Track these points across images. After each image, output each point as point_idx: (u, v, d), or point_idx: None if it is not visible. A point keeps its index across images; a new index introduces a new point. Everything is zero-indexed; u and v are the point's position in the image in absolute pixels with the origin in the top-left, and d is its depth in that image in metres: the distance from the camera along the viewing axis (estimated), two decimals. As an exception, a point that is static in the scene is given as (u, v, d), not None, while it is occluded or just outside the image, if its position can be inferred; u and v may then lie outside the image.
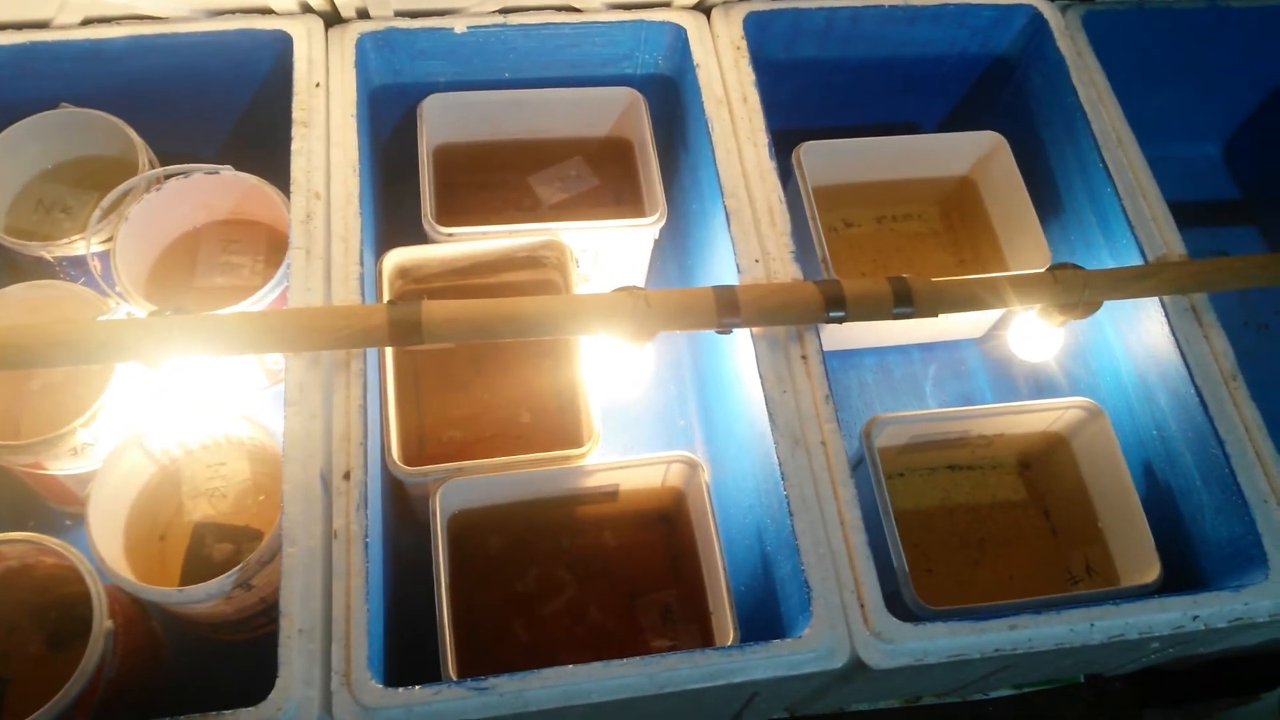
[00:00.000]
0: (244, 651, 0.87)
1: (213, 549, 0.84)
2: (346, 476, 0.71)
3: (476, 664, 0.80)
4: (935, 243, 1.08)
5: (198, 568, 0.84)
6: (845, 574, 0.71)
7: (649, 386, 1.02)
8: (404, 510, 0.88)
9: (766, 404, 0.76)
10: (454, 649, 0.73)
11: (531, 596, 0.84)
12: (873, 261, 1.06)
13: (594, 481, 0.84)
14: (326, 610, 0.68)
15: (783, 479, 0.74)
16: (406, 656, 0.77)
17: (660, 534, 0.88)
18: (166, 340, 0.71)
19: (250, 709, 0.64)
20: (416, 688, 0.65)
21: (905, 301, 0.79)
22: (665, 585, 0.85)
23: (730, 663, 0.68)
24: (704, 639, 0.82)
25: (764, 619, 0.80)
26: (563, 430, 0.90)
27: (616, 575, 0.86)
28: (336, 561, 0.69)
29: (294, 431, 0.72)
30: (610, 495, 0.86)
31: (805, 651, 0.68)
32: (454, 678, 0.71)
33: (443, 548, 0.77)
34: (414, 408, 0.90)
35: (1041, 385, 1.04)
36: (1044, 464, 0.95)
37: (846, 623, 0.70)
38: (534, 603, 0.83)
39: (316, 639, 0.67)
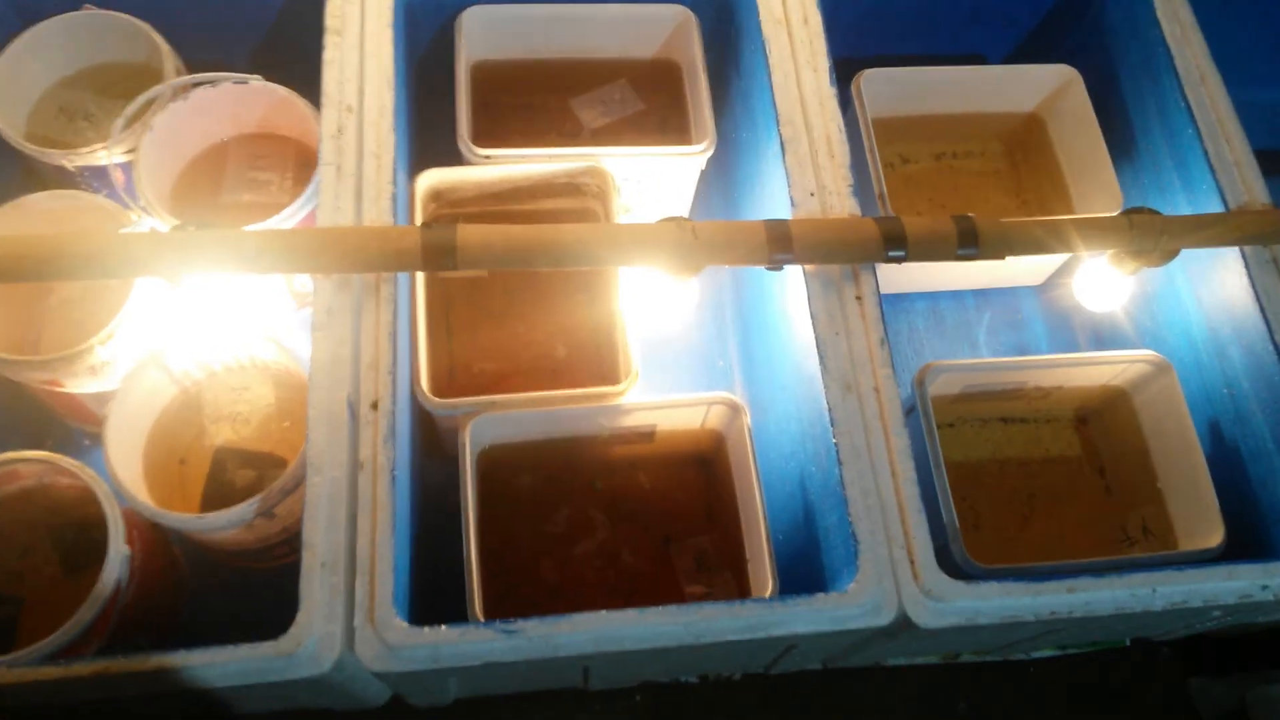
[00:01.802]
0: (265, 581, 0.85)
1: (234, 475, 0.81)
2: (374, 406, 0.68)
3: (503, 605, 0.77)
4: (996, 183, 1.02)
5: (218, 493, 0.81)
6: (895, 527, 0.67)
7: (688, 323, 0.98)
8: (432, 443, 0.85)
9: (818, 346, 0.72)
10: (480, 588, 0.70)
11: (562, 537, 0.81)
12: (929, 200, 1.00)
13: (630, 421, 0.80)
14: (351, 544, 0.65)
15: (832, 425, 0.70)
16: (431, 595, 0.74)
17: (697, 477, 0.85)
18: (189, 256, 0.67)
19: (269, 643, 0.62)
20: (443, 627, 0.63)
21: (970, 242, 0.74)
22: (701, 530, 0.82)
23: (771, 615, 0.64)
24: (739, 587, 0.79)
25: (804, 570, 0.76)
26: (599, 366, 0.87)
27: (650, 518, 0.82)
28: (362, 494, 0.66)
29: (321, 357, 0.69)
30: (646, 436, 0.83)
31: (850, 606, 0.65)
32: (480, 618, 0.68)
33: (471, 484, 0.74)
34: (445, 337, 0.87)
35: (1102, 337, 0.99)
36: (1102, 419, 0.90)
37: (895, 578, 0.66)
38: (564, 544, 0.80)
39: (340, 573, 0.64)
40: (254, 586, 0.86)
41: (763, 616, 0.64)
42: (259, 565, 0.84)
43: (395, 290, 0.72)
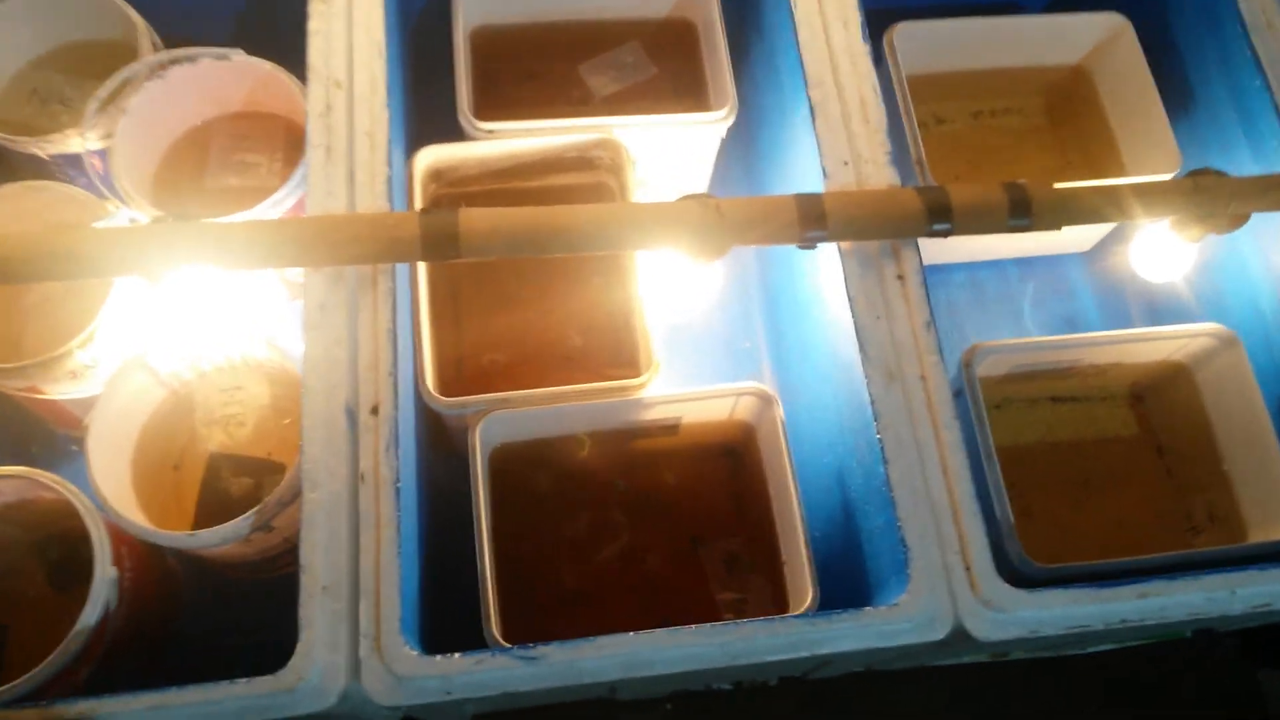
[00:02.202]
0: (268, 590, 0.80)
1: (230, 483, 0.76)
2: (375, 411, 0.62)
3: (520, 616, 0.72)
4: (1038, 143, 0.95)
5: (214, 503, 0.76)
6: (948, 530, 0.61)
7: (711, 303, 0.92)
8: (441, 441, 0.79)
9: (856, 331, 0.66)
10: (497, 601, 0.65)
11: (582, 541, 0.75)
12: (968, 163, 0.93)
13: (653, 414, 0.74)
14: (353, 564, 0.59)
15: (875, 419, 0.63)
16: (445, 611, 0.69)
17: (725, 471, 0.79)
18: (167, 252, 0.62)
19: (268, 677, 0.56)
20: (456, 656, 0.57)
21: (1023, 211, 0.67)
22: (731, 531, 0.76)
23: (814, 633, 0.59)
24: (774, 592, 0.73)
25: (843, 573, 0.70)
26: (617, 354, 0.81)
27: (677, 519, 0.77)
28: (364, 509, 0.60)
29: (315, 359, 0.63)
30: (670, 429, 0.77)
31: (901, 621, 0.59)
32: (496, 634, 0.63)
33: (484, 487, 0.68)
34: (451, 326, 0.81)
35: (1156, 308, 0.92)
36: (1160, 396, 0.84)
37: (949, 587, 0.60)
38: (585, 548, 0.75)
39: (343, 597, 0.58)
40: (256, 595, 0.81)
41: (805, 634, 0.59)
42: (262, 576, 0.79)
43: (394, 282, 0.65)
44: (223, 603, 0.81)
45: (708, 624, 0.58)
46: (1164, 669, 0.85)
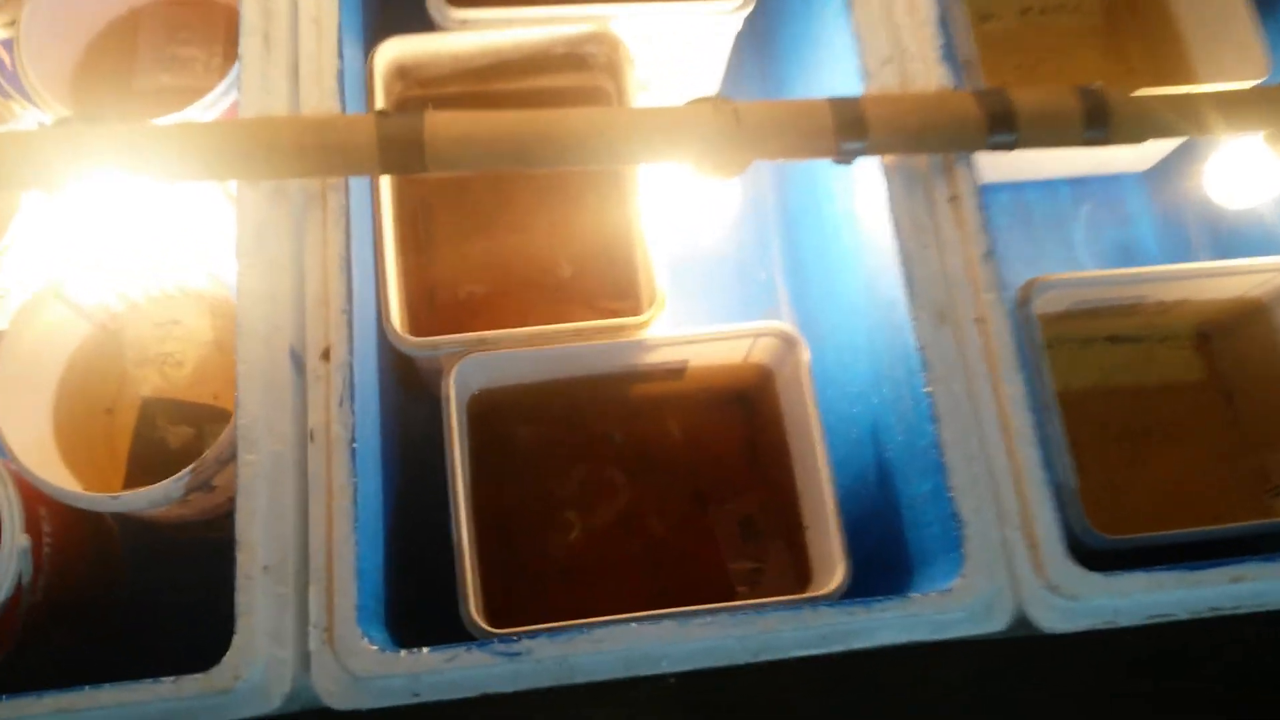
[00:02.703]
0: (217, 546, 0.71)
1: (166, 432, 0.66)
2: (325, 356, 0.52)
3: (506, 594, 0.63)
4: (1095, 44, 0.83)
5: (149, 455, 0.66)
6: (1009, 501, 0.52)
7: (720, 225, 0.81)
8: (413, 385, 0.69)
9: (902, 263, 0.55)
10: (476, 576, 0.56)
11: (574, 502, 0.65)
12: (1017, 67, 0.82)
13: (656, 357, 0.64)
14: (301, 540, 0.50)
15: (924, 369, 0.53)
16: (420, 594, 0.59)
17: (737, 421, 0.69)
18: (71, 161, 0.50)
19: (198, 677, 0.47)
20: (425, 651, 0.48)
21: (1099, 121, 0.57)
22: (745, 489, 0.67)
23: (852, 623, 0.49)
24: (795, 562, 0.64)
25: (871, 546, 0.61)
26: (613, 285, 0.70)
27: (683, 476, 0.67)
28: (314, 473, 0.50)
29: (250, 293, 0.52)
30: (675, 372, 0.67)
31: (955, 610, 0.50)
32: (475, 615, 0.54)
33: (459, 441, 0.58)
34: (421, 254, 0.70)
35: (1219, 236, 0.82)
36: (1231, 337, 0.74)
37: (1010, 569, 0.51)
38: (577, 510, 0.65)
39: (288, 580, 0.49)
40: (207, 555, 0.72)
41: (840, 626, 0.49)
42: (209, 535, 0.70)
43: (347, 200, 0.55)
44: (170, 565, 0.72)
45: (724, 613, 0.49)
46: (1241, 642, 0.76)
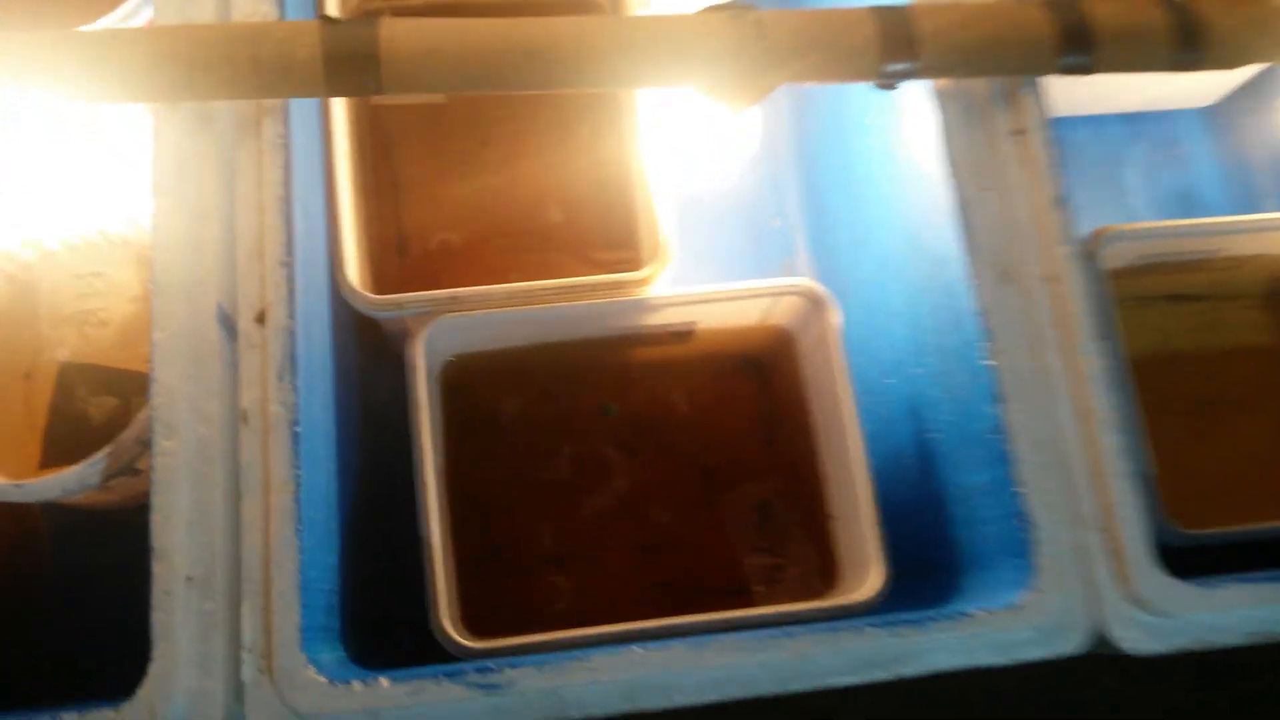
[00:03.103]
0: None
1: (88, 404, 0.57)
2: (261, 318, 0.43)
3: (484, 597, 0.54)
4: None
5: (68, 430, 0.57)
6: (1086, 498, 0.43)
7: (729, 167, 0.71)
8: (379, 354, 0.60)
9: (960, 209, 0.46)
10: (449, 576, 0.47)
11: (564, 487, 0.57)
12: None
13: (659, 318, 0.55)
14: (232, 546, 0.41)
15: (984, 337, 0.44)
16: (392, 596, 0.51)
17: (750, 392, 0.60)
18: (-57, 76, 0.40)
19: (109, 712, 0.38)
20: (384, 681, 0.39)
21: (1191, 41, 0.47)
22: (761, 471, 0.58)
23: (899, 646, 0.41)
24: (820, 557, 0.55)
25: (904, 541, 0.53)
26: (608, 233, 0.61)
27: (689, 455, 0.58)
28: (248, 462, 0.41)
29: (169, 241, 0.43)
30: (681, 336, 0.58)
31: (1022, 628, 0.42)
32: (447, 624, 0.45)
33: (428, 416, 0.49)
34: (385, 195, 0.60)
35: (1291, 181, 0.73)
36: (1308, 297, 0.65)
37: (1088, 581, 0.42)
38: (567, 495, 0.57)
39: (216, 594, 0.40)
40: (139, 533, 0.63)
41: (886, 649, 0.41)
42: (141, 518, 0.60)
43: (287, 128, 0.45)
44: (101, 551, 0.63)
45: (745, 635, 0.41)
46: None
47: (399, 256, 0.60)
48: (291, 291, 0.43)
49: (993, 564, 0.46)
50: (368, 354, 0.59)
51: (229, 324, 0.43)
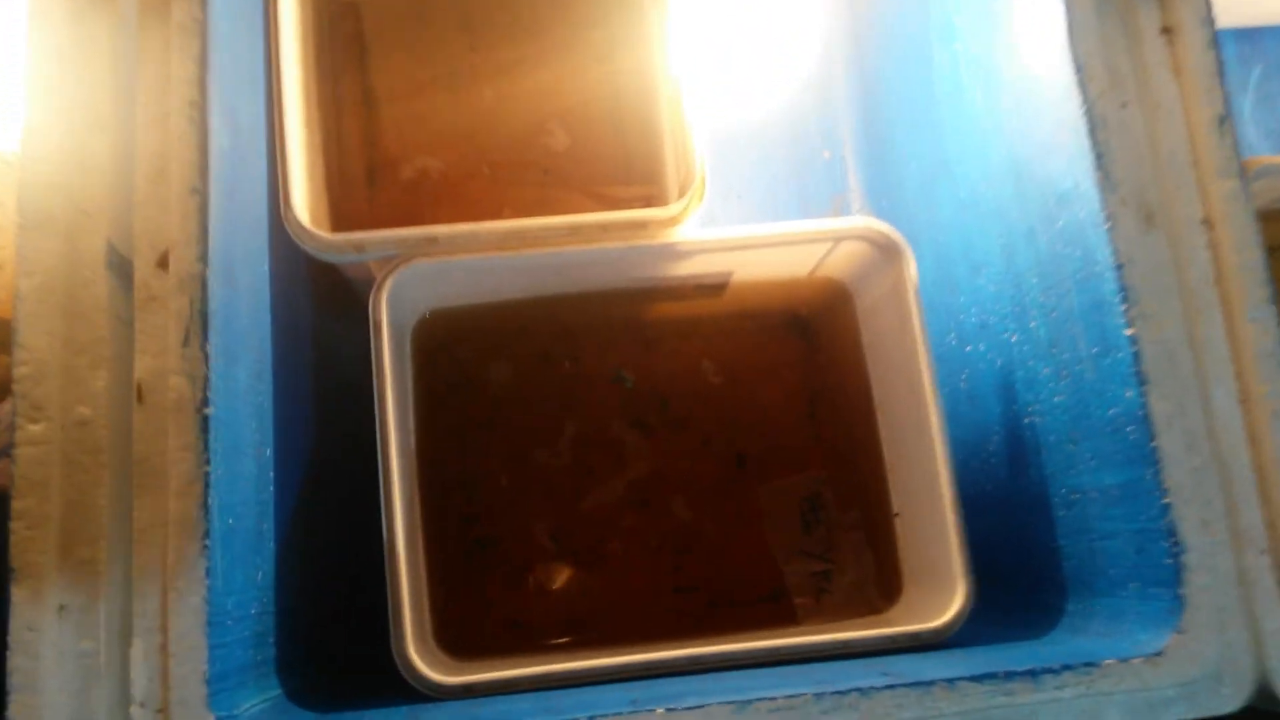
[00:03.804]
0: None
1: (-15, 364, 0.46)
2: (163, 262, 0.32)
3: (469, 602, 0.44)
4: None
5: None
6: (1251, 513, 0.33)
7: (766, 81, 0.60)
8: (344, 305, 0.49)
9: (1091, 130, 0.35)
10: (419, 586, 0.37)
11: (567, 474, 0.46)
12: None
13: (687, 268, 0.44)
14: (121, 566, 0.30)
15: (1124, 298, 0.34)
16: (348, 613, 0.41)
17: (796, 358, 0.49)
18: None
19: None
20: (318, 749, 0.29)
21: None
22: (808, 458, 0.47)
23: (1008, 708, 0.31)
24: (878, 564, 0.45)
25: (989, 552, 0.42)
26: (626, 165, 0.50)
27: (720, 436, 0.48)
28: (142, 457, 0.31)
29: (42, 158, 0.32)
30: (713, 289, 0.47)
31: (1166, 683, 0.31)
32: (409, 652, 0.35)
33: (395, 385, 0.39)
34: (350, 112, 0.49)
35: None
36: None
37: (1251, 617, 0.32)
38: (571, 485, 0.46)
39: (97, 631, 0.30)
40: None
41: (989, 711, 0.31)
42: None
43: (204, 12, 0.34)
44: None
45: (801, 690, 0.31)
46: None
47: (367, 188, 0.49)
48: (204, 227, 0.32)
49: (1116, 590, 0.35)
50: (330, 312, 0.48)
51: (122, 269, 0.32)
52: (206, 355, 0.31)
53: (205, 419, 0.31)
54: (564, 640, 0.44)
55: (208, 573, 0.30)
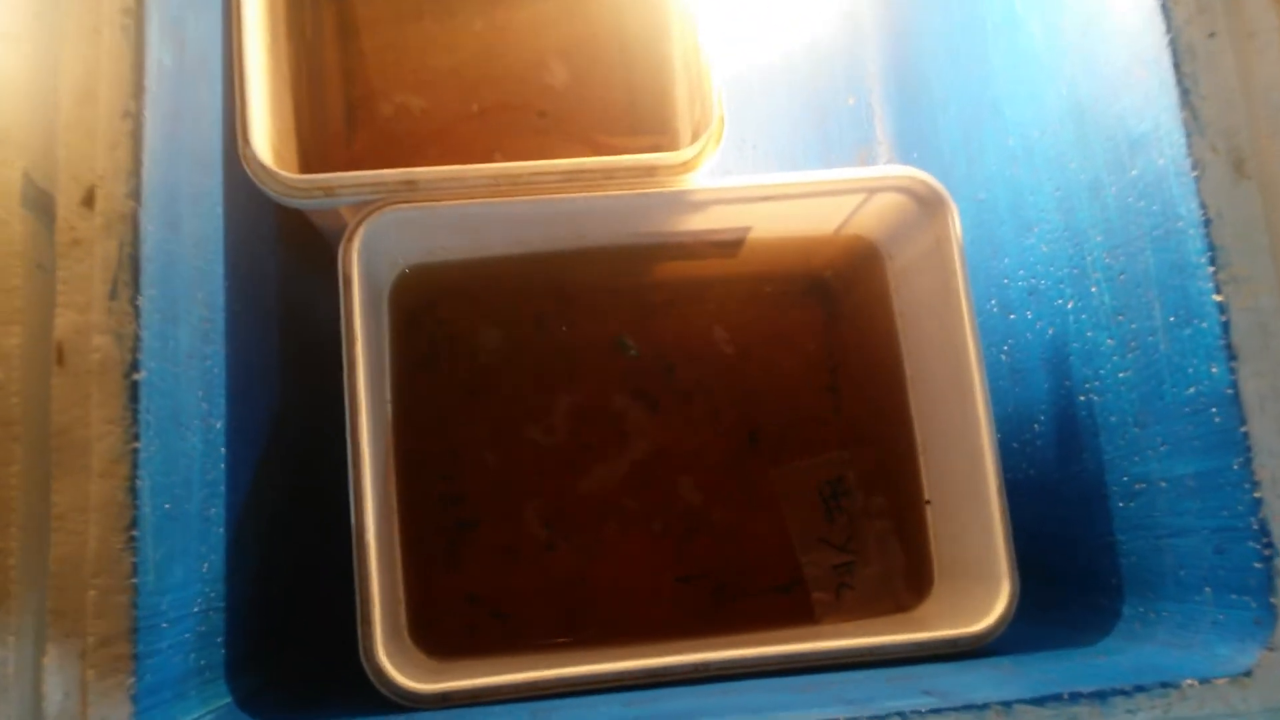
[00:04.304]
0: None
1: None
2: (88, 200, 0.27)
3: (452, 592, 0.39)
4: None
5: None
6: (1355, 511, 0.28)
7: (787, 21, 0.55)
8: (319, 264, 0.45)
9: (1175, 64, 0.30)
10: (390, 576, 0.33)
11: (563, 450, 0.42)
12: None
13: (700, 220, 0.39)
14: (35, 558, 0.26)
15: (1212, 259, 0.29)
16: (322, 600, 0.36)
17: (818, 325, 0.44)
18: None
19: None
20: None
21: None
22: (829, 436, 0.43)
23: (1073, 736, 0.27)
24: (908, 554, 0.41)
25: (1035, 545, 0.38)
26: (632, 108, 0.45)
27: (733, 411, 0.43)
28: (62, 428, 0.26)
29: (-59, 71, 0.27)
30: (728, 247, 0.42)
31: (1254, 708, 0.27)
32: (379, 657, 0.31)
33: (366, 346, 0.34)
34: (326, 41, 0.44)
35: None
36: None
37: (1355, 635, 0.28)
38: (568, 463, 0.42)
39: (8, 636, 0.25)
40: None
41: (1054, 739, 0.26)
42: None
43: (140, -97, 0.29)
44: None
45: (834, 712, 0.26)
46: None
47: (344, 128, 0.44)
48: (137, 157, 0.27)
49: (1187, 595, 0.31)
50: (301, 266, 0.43)
51: (41, 206, 0.27)
52: (137, 310, 0.27)
53: (135, 385, 0.26)
54: (555, 636, 0.40)
55: (135, 568, 0.25)
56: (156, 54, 0.28)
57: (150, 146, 0.28)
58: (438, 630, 0.39)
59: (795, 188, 0.37)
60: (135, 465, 0.26)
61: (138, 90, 0.28)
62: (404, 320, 0.40)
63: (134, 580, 0.25)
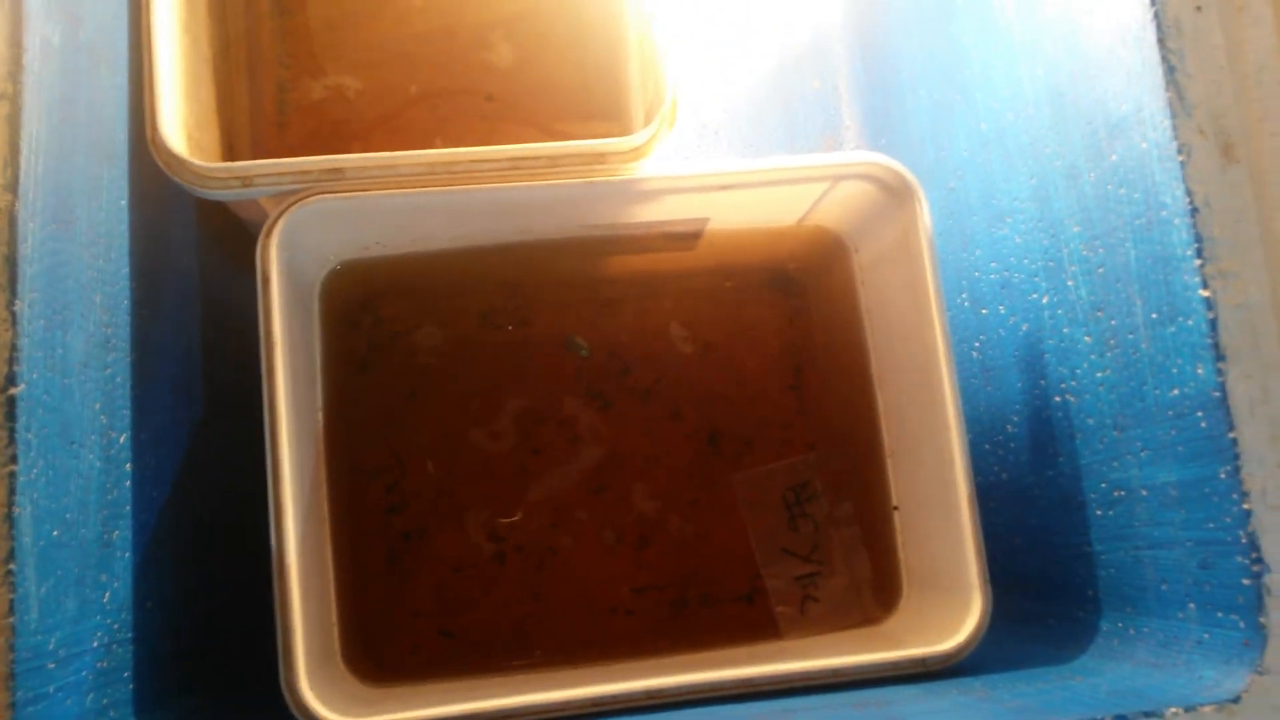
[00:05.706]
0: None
1: None
2: (-40, 193, 0.24)
3: (391, 609, 0.37)
4: None
5: None
6: (1349, 521, 0.26)
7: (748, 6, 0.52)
8: (243, 249, 0.42)
9: (1160, 39, 0.28)
10: (333, 589, 0.31)
11: (510, 456, 0.39)
12: None
13: (655, 210, 0.37)
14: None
15: (1199, 251, 0.27)
16: (245, 626, 0.34)
17: (780, 321, 0.42)
18: None
19: None
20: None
21: None
22: (793, 439, 0.40)
23: (1052, 773, 0.24)
24: (876, 564, 0.38)
25: (1006, 554, 0.36)
26: (584, 91, 0.42)
27: (691, 413, 0.41)
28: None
29: None
30: (685, 239, 0.40)
31: (1244, 736, 0.25)
32: (300, 688, 0.29)
33: (285, 348, 0.32)
34: (255, 15, 0.41)
35: None
36: None
37: (1351, 656, 0.26)
38: (516, 469, 0.39)
39: None
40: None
41: (1031, 777, 0.24)
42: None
43: None
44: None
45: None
46: None
47: (275, 114, 0.41)
48: (14, 144, 0.24)
49: (1169, 611, 0.29)
50: (226, 265, 0.40)
51: (-93, 200, 0.24)
52: (14, 316, 0.24)
53: (11, 400, 0.23)
54: (505, 653, 0.37)
55: (12, 606, 0.23)
56: (39, 29, 0.26)
57: (31, 134, 0.25)
58: (378, 653, 0.36)
59: (754, 175, 0.35)
60: (12, 491, 0.23)
61: (13, 70, 0.25)
62: (337, 320, 0.37)
63: (11, 620, 0.23)
